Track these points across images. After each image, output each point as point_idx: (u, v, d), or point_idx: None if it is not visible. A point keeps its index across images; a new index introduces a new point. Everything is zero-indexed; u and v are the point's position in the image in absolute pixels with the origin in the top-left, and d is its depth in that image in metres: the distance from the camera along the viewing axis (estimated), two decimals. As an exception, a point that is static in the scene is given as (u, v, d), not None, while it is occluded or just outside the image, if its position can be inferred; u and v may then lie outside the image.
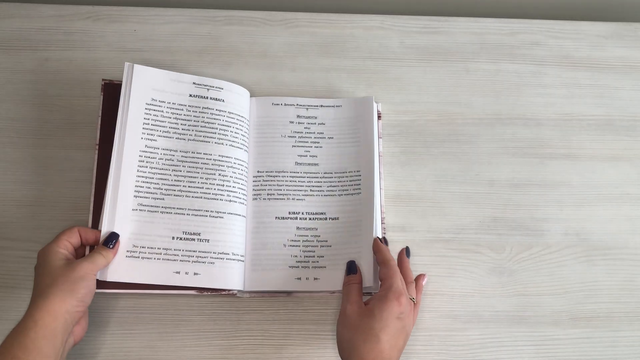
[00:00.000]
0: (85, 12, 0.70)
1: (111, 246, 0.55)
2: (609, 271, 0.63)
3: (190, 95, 0.63)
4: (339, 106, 0.66)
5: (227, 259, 0.58)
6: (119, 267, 0.56)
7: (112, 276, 0.56)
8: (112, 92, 0.63)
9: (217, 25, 0.71)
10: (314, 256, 0.60)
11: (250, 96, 0.66)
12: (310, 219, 0.61)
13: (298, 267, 0.60)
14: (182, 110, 0.62)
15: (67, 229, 0.55)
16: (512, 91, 0.70)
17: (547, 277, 0.62)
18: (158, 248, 0.57)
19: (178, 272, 0.57)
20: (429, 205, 0.64)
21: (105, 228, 0.57)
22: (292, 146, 0.64)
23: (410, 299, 0.54)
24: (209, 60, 0.69)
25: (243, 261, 0.59)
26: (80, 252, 0.56)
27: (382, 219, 0.62)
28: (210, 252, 0.58)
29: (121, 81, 0.62)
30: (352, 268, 0.57)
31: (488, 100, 0.69)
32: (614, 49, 0.72)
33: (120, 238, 0.56)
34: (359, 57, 0.71)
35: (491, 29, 0.73)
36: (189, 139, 0.61)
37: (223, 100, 0.63)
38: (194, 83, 0.63)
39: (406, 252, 0.61)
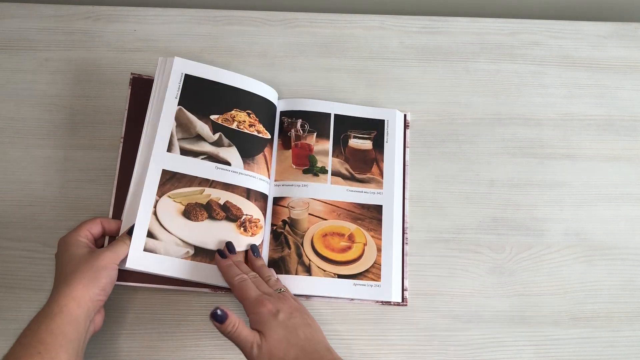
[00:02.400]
0: (85, 12, 0.70)
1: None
2: (609, 271, 0.63)
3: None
4: (361, 114, 0.66)
5: None
6: (138, 257, 0.56)
7: (131, 264, 0.55)
8: (140, 87, 0.63)
9: (217, 25, 0.71)
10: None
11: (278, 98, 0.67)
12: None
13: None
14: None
15: (88, 219, 0.56)
16: (512, 91, 0.70)
17: (547, 277, 0.62)
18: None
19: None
20: (429, 205, 0.64)
21: (126, 217, 0.57)
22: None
23: (278, 291, 0.54)
24: (209, 60, 0.69)
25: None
26: (100, 243, 0.57)
27: (406, 228, 0.63)
28: None
29: (149, 76, 0.63)
30: (219, 318, 0.50)
31: (488, 100, 0.69)
32: (614, 49, 0.72)
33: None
34: (359, 57, 0.71)
35: (491, 29, 0.73)
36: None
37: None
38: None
39: (253, 251, 0.59)
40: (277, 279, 0.57)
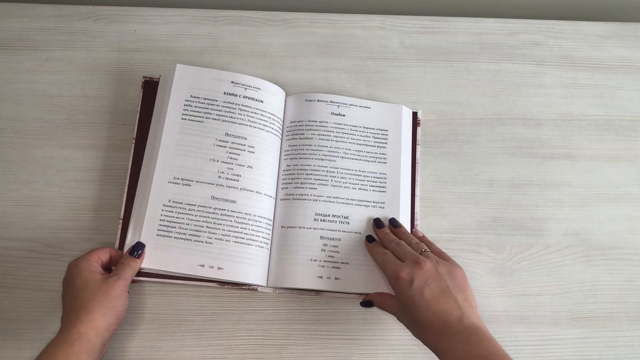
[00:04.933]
0: (85, 12, 0.70)
1: (137, 255, 0.56)
2: (609, 271, 0.63)
3: (225, 93, 0.63)
4: (367, 107, 0.66)
5: (256, 245, 0.59)
6: (147, 256, 0.57)
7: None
8: (151, 89, 0.65)
9: (217, 25, 0.71)
10: (335, 257, 0.60)
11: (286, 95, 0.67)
12: (335, 221, 0.61)
13: (324, 266, 0.59)
14: (219, 108, 0.62)
15: (99, 247, 0.57)
16: (512, 91, 0.70)
17: (547, 277, 0.62)
18: (185, 240, 0.58)
19: (202, 265, 0.57)
20: (429, 205, 0.64)
21: (131, 231, 0.58)
22: (320, 145, 0.64)
23: (422, 252, 0.55)
24: (209, 61, 0.69)
25: (268, 249, 0.60)
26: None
27: (416, 225, 0.63)
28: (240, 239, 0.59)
29: (159, 79, 0.65)
30: (366, 305, 0.58)
31: (488, 100, 0.69)
32: (614, 49, 0.72)
33: (145, 248, 0.57)
34: (359, 57, 0.71)
35: (491, 29, 0.73)
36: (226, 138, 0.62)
37: (262, 101, 0.64)
38: (232, 82, 0.63)
39: (392, 224, 0.60)
40: (421, 239, 0.60)
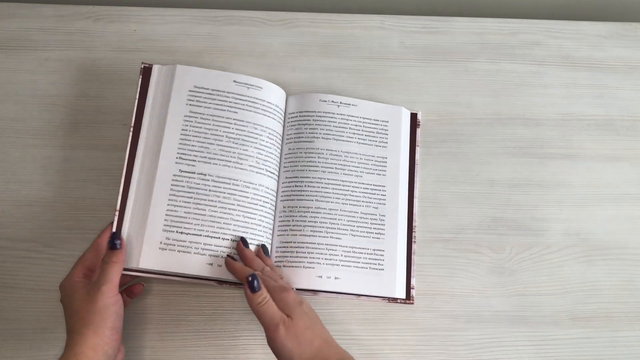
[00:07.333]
0: (85, 12, 0.70)
1: (118, 247, 0.53)
2: (609, 271, 0.63)
3: (230, 93, 0.62)
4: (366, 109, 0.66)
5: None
6: (151, 257, 0.55)
7: (144, 264, 0.54)
8: (150, 76, 0.63)
9: (217, 25, 0.71)
10: (336, 255, 0.59)
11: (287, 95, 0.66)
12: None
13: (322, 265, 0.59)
14: (223, 107, 0.61)
15: (83, 253, 0.55)
16: (512, 91, 0.70)
17: (547, 277, 0.62)
18: (190, 241, 0.56)
19: (211, 264, 0.56)
20: (429, 205, 0.65)
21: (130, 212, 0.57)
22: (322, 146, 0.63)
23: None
24: (209, 60, 0.69)
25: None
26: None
27: (414, 226, 0.63)
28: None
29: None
30: (255, 286, 0.50)
31: (488, 100, 0.69)
32: (614, 49, 0.72)
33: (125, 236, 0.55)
34: (359, 57, 0.71)
35: (491, 29, 0.73)
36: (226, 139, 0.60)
37: (263, 100, 0.63)
38: (234, 81, 0.62)
39: (263, 251, 0.58)
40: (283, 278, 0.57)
